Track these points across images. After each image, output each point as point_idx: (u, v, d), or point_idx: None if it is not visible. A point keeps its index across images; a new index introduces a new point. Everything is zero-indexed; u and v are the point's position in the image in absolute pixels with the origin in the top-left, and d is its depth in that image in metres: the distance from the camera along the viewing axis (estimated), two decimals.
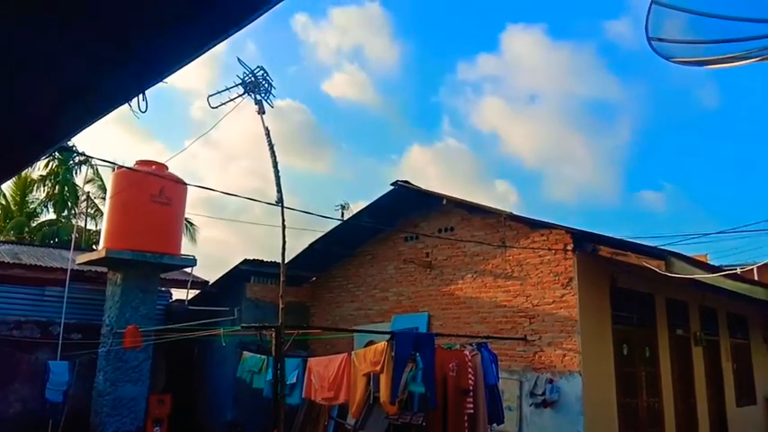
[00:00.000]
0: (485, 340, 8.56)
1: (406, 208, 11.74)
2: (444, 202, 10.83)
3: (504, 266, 10.01)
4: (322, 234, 12.21)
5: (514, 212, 10.08)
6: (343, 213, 28.19)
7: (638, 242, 8.57)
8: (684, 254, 9.42)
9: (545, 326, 9.21)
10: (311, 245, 12.36)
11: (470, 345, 8.23)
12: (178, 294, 14.90)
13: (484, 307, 10.18)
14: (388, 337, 7.33)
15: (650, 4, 8.48)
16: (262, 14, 2.16)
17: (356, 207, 12.47)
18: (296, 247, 12.97)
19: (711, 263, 21.33)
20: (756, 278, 18.89)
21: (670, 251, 8.29)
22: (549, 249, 9.40)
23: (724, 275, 8.49)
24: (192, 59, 2.45)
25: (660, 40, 8.49)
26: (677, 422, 10.65)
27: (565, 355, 8.86)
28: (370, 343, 8.63)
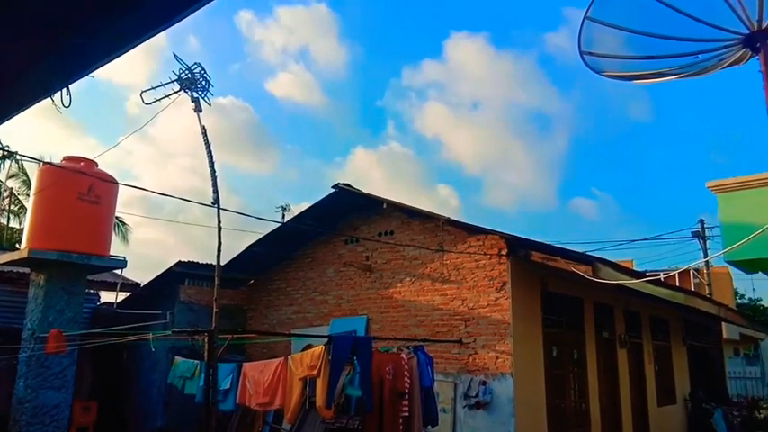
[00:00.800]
0: (421, 343, 8.66)
1: (346, 211, 11.75)
2: (384, 206, 10.90)
3: (441, 270, 10.18)
4: (261, 236, 12.06)
5: (453, 218, 10.27)
6: (283, 215, 28.01)
7: (568, 248, 8.92)
8: (611, 260, 9.87)
9: (480, 328, 9.42)
10: (249, 247, 12.17)
11: (407, 348, 8.32)
12: (107, 297, 14.34)
13: (421, 310, 10.31)
14: (326, 340, 7.30)
15: (583, 20, 8.83)
16: (191, 12, 2.11)
17: (299, 208, 12.42)
18: (237, 248, 12.75)
19: (637, 268, 22.52)
20: (678, 283, 20.04)
21: (597, 257, 8.67)
22: (485, 254, 9.62)
23: (646, 281, 8.94)
24: (121, 54, 2.37)
25: (591, 54, 8.86)
26: (602, 422, 11.11)
27: (498, 358, 9.09)
28: (308, 347, 8.57)
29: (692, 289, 20.85)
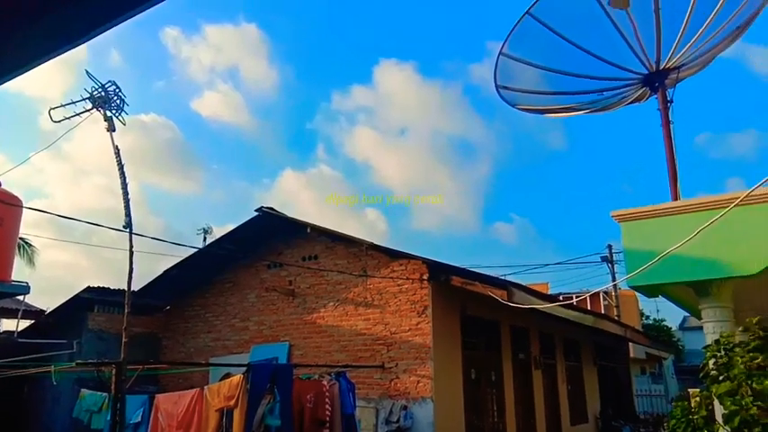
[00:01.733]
0: (344, 369, 8.61)
1: (270, 235, 11.58)
2: (309, 230, 10.83)
3: (365, 295, 10.21)
4: (180, 260, 11.64)
5: (376, 243, 10.36)
6: (205, 237, 27.22)
7: (485, 273, 9.21)
8: (528, 283, 10.28)
9: (401, 353, 9.49)
10: (166, 272, 11.71)
11: (329, 375, 8.23)
12: (8, 325, 13.33)
13: (345, 335, 10.26)
14: (245, 369, 7.10)
15: (498, 55, 9.28)
16: (108, 29, 2.06)
17: (224, 230, 12.07)
18: (157, 271, 12.24)
19: (552, 291, 23.48)
20: (589, 306, 21.07)
21: (511, 282, 9.02)
22: (407, 279, 9.75)
23: (557, 305, 9.35)
24: (25, 72, 2.27)
25: (507, 88, 9.33)
26: None
27: (419, 382, 9.17)
28: (227, 376, 8.31)
29: (603, 311, 21.98)
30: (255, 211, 11.01)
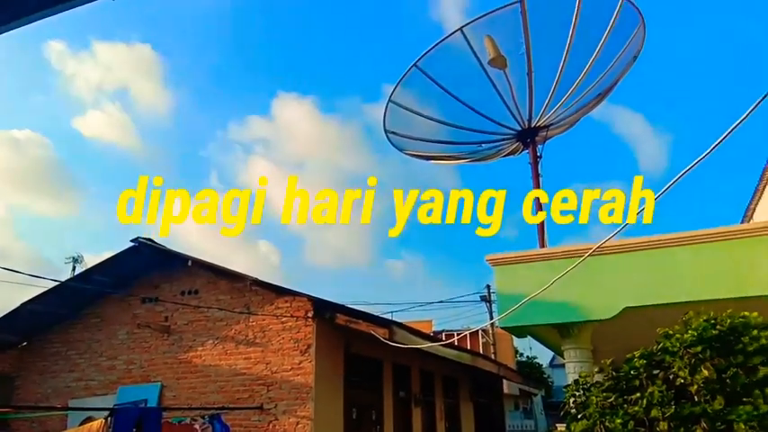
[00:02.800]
0: (219, 411, 8.25)
1: (147, 267, 10.96)
2: (189, 263, 10.40)
3: (247, 332, 9.91)
4: (41, 292, 10.64)
5: (264, 277, 10.15)
6: (74, 267, 25.19)
7: (369, 312, 9.33)
8: (414, 320, 10.53)
9: (282, 393, 9.27)
10: (23, 305, 10.65)
11: (202, 417, 7.85)
12: None
13: (222, 375, 9.86)
14: (107, 413, 6.59)
15: (387, 102, 9.67)
16: None
17: (100, 259, 11.17)
18: (21, 301, 11.04)
19: (437, 328, 24.14)
20: (470, 342, 21.89)
21: (393, 321, 9.21)
22: (292, 316, 9.62)
23: (438, 345, 9.66)
24: None
25: (395, 133, 9.71)
26: None
27: (298, 423, 8.98)
28: (89, 420, 7.65)
29: (481, 348, 22.91)
30: (131, 241, 10.41)
